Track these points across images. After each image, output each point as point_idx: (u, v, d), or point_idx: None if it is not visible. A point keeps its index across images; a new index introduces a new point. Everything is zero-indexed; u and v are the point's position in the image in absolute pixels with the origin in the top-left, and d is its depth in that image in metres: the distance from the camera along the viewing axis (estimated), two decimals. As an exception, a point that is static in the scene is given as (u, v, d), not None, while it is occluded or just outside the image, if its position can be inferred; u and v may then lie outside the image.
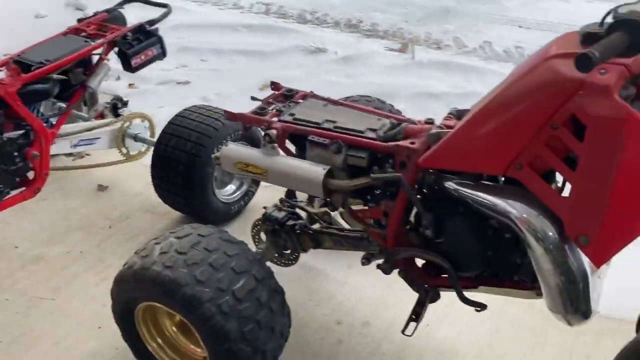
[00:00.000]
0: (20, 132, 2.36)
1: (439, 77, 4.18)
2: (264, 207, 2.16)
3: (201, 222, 2.59)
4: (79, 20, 2.81)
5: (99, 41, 2.60)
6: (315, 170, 1.75)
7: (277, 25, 5.30)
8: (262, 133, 1.86)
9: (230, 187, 2.71)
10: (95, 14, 2.89)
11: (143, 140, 2.91)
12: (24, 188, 2.43)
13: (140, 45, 2.65)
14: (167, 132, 2.52)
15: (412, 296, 1.83)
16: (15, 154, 2.35)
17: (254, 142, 2.64)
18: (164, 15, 2.84)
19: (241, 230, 2.65)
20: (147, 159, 2.99)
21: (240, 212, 2.74)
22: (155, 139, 2.93)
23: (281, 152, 1.87)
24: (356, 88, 3.97)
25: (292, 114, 1.91)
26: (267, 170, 1.84)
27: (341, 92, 3.88)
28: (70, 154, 2.99)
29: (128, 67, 2.65)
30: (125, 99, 2.99)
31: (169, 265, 1.64)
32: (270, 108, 2.01)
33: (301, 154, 1.89)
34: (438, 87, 3.99)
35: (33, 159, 2.39)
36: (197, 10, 5.73)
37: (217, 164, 1.98)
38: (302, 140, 1.87)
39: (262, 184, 2.76)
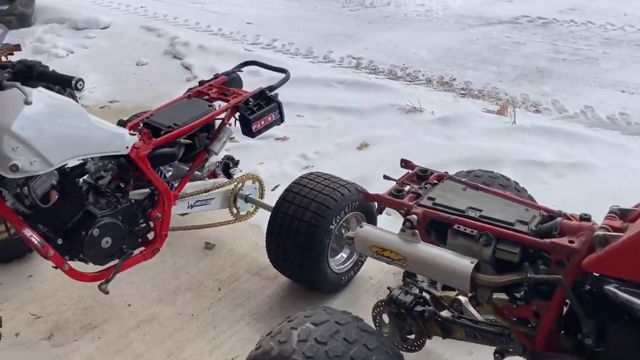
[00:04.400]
0: (146, 194, 2.41)
1: (542, 143, 4.04)
2: (389, 288, 2.09)
3: (312, 290, 2.60)
4: (201, 83, 2.87)
5: (223, 106, 2.64)
6: (463, 264, 1.67)
7: (370, 81, 5.33)
8: (402, 218, 1.80)
9: (341, 256, 2.66)
10: (216, 76, 2.95)
11: (253, 202, 2.92)
12: (144, 248, 2.45)
13: (261, 111, 2.68)
14: (286, 199, 2.51)
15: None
16: (140, 215, 2.39)
17: (368, 213, 2.61)
18: (284, 81, 2.87)
19: (350, 301, 2.60)
20: (252, 219, 3.02)
21: (349, 281, 2.68)
22: (263, 200, 2.97)
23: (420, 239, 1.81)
24: (457, 151, 3.91)
25: (431, 199, 1.85)
26: (407, 257, 1.77)
27: (442, 155, 3.83)
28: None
29: (248, 131, 2.68)
30: (236, 158, 3.02)
31: (310, 356, 1.58)
32: (406, 189, 1.95)
33: (438, 240, 1.81)
34: (543, 154, 3.85)
35: (155, 220, 2.42)
36: (289, 63, 5.83)
37: (349, 244, 1.93)
38: (442, 227, 1.79)
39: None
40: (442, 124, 4.36)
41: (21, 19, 7.24)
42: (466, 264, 1.67)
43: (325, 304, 2.58)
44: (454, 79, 5.58)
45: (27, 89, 1.62)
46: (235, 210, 2.89)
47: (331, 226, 2.42)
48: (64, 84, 1.64)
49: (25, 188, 2.00)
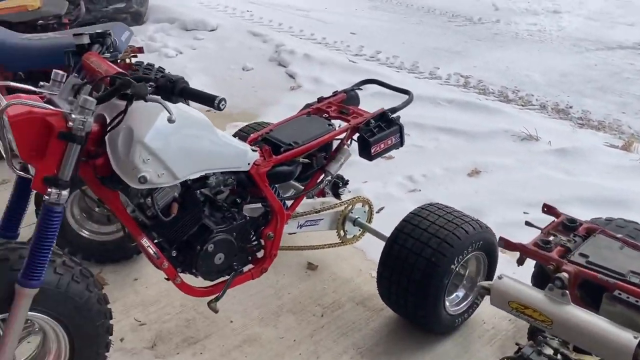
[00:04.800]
0: (261, 211, 2.34)
1: (677, 187, 3.67)
2: (517, 344, 1.89)
3: (422, 330, 2.44)
4: (319, 100, 2.79)
5: (343, 126, 2.53)
6: (625, 337, 1.46)
7: (480, 102, 5.08)
8: (551, 275, 1.61)
9: (456, 296, 2.48)
10: (335, 93, 2.86)
11: (361, 226, 2.79)
12: (252, 266, 2.39)
13: (382, 134, 2.55)
14: (403, 231, 2.36)
15: None
16: (252, 232, 2.32)
17: (491, 255, 2.42)
18: (407, 103, 2.73)
19: (462, 347, 2.42)
20: (357, 242, 2.89)
21: (462, 324, 2.49)
22: (371, 224, 2.84)
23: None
24: (578, 188, 3.61)
25: (584, 255, 1.65)
26: (554, 320, 1.58)
27: (561, 191, 3.55)
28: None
29: (366, 154, 2.56)
30: (345, 178, 2.91)
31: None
32: (551, 239, 1.76)
33: (584, 302, 1.61)
34: (680, 200, 3.49)
35: (267, 239, 2.34)
36: (394, 77, 5.69)
37: (483, 295, 1.76)
38: (593, 289, 1.59)
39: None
40: (560, 156, 4.06)
41: (135, 16, 7.52)
42: (628, 338, 1.46)
43: (436, 346, 2.41)
44: (570, 107, 5.23)
45: (170, 106, 1.57)
46: (342, 233, 2.78)
47: (452, 266, 2.25)
48: (207, 103, 1.58)
49: (149, 199, 1.97)
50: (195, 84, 5.38)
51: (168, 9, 7.86)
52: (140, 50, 3.35)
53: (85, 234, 2.75)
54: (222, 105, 1.59)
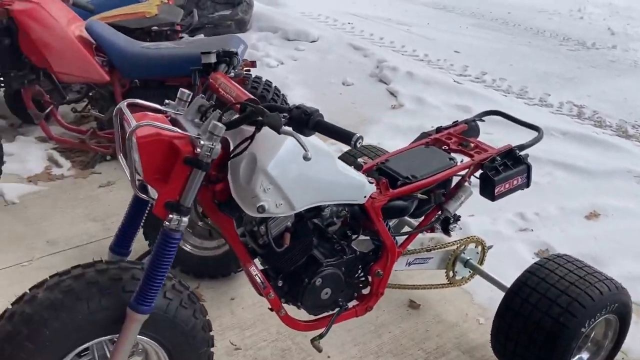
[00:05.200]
0: (371, 246, 2.21)
1: None
2: None
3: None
4: (438, 130, 2.62)
5: (466, 162, 2.36)
6: None
7: (596, 136, 4.71)
8: None
9: (580, 358, 2.24)
10: (455, 123, 2.68)
11: (472, 268, 2.59)
12: (357, 303, 2.25)
13: (508, 173, 2.35)
14: (527, 284, 2.15)
15: None
16: (361, 268, 2.19)
17: (625, 318, 2.16)
18: (536, 141, 2.52)
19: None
20: (469, 286, 2.70)
21: (582, 393, 2.24)
22: (482, 267, 2.63)
23: None
24: None
25: None
26: None
27: None
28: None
29: (488, 194, 2.36)
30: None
31: None
32: None
33: None
34: None
35: (375, 276, 2.20)
36: (501, 102, 5.41)
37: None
38: None
39: None
40: (692, 204, 3.67)
41: (239, 24, 7.64)
42: None
43: (553, 414, 2.17)
44: (700, 148, 4.75)
45: (305, 142, 1.47)
46: (451, 274, 2.59)
47: (582, 329, 2.01)
48: (344, 140, 1.47)
49: (262, 227, 1.88)
50: (294, 96, 5.35)
51: (271, 18, 7.94)
52: (253, 64, 3.33)
53: (187, 247, 2.72)
54: (359, 143, 1.47)
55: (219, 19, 7.46)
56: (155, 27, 4.03)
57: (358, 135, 1.46)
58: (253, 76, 3.63)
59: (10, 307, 1.64)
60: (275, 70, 6.19)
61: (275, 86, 3.72)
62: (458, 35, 8.22)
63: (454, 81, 5.85)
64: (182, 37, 4.35)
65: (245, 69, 3.34)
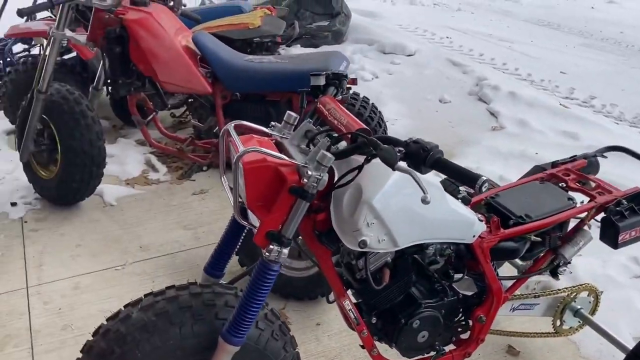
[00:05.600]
0: (475, 289, 2.04)
1: None
2: None
3: None
4: (554, 165, 2.40)
5: (588, 204, 2.13)
6: None
7: None
8: None
9: None
10: (573, 158, 2.44)
11: (583, 319, 2.35)
12: (454, 348, 2.09)
13: (635, 219, 2.10)
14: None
15: None
16: (462, 311, 2.03)
17: None
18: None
19: None
20: (575, 336, 2.46)
21: None
22: (594, 318, 2.38)
23: None
24: None
25: None
26: None
27: None
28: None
29: (611, 241, 2.12)
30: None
31: None
32: None
33: None
34: None
35: (477, 321, 2.03)
36: (613, 130, 5.01)
37: None
38: None
39: None
40: None
41: (336, 35, 7.62)
42: None
43: None
44: None
45: (424, 183, 1.34)
46: (558, 323, 2.37)
47: None
48: (466, 183, 1.33)
49: (361, 261, 1.77)
50: (389, 111, 5.21)
51: (368, 30, 7.85)
52: (354, 81, 3.23)
53: (276, 267, 2.66)
54: (485, 188, 1.32)
55: (317, 30, 7.47)
56: (257, 39, 4.03)
57: (484, 178, 1.31)
58: (351, 92, 3.54)
59: (105, 322, 1.62)
60: (370, 84, 6.08)
61: (372, 103, 3.61)
62: (564, 55, 7.77)
63: (561, 104, 5.49)
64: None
65: (347, 86, 3.25)
